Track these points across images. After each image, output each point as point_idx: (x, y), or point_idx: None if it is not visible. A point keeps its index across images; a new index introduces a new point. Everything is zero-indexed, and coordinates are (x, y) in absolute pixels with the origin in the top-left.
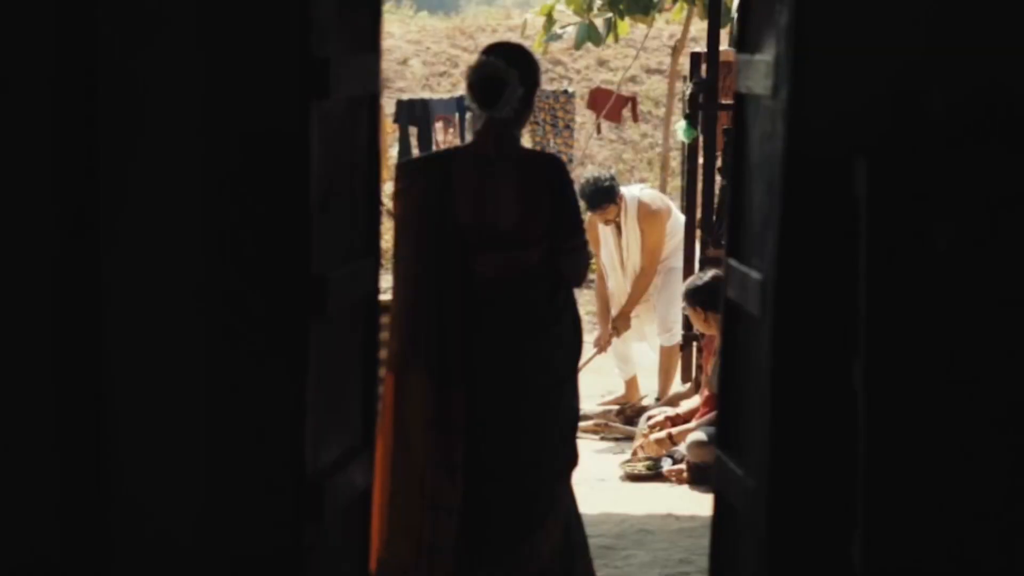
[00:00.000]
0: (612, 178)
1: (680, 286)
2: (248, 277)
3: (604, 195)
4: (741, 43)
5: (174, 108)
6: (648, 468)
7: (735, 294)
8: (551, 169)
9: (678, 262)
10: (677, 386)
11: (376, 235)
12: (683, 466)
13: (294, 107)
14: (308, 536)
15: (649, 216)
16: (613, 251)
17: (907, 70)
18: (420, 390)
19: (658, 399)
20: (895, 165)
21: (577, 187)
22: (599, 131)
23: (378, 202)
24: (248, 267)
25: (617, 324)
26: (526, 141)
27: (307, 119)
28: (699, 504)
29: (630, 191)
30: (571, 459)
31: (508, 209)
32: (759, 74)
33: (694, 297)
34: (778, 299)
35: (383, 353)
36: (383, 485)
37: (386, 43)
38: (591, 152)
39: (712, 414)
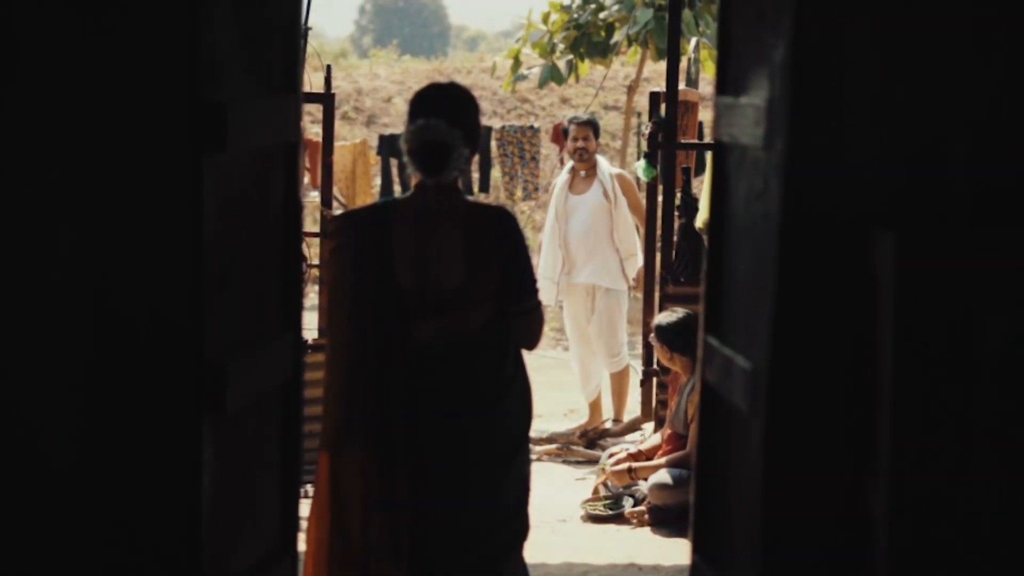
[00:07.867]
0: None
1: (622, 311)
2: (135, 369)
3: (592, 125)
4: (722, 84)
5: (46, 165)
6: (609, 508)
7: (715, 380)
8: (500, 224)
9: (622, 286)
10: (633, 407)
11: (296, 309)
12: (644, 507)
13: (183, 162)
14: None
15: (625, 182)
16: (555, 221)
17: (928, 120)
18: (359, 469)
19: (616, 421)
20: (932, 242)
21: None
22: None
23: (298, 270)
24: (135, 358)
25: None
26: (495, 172)
27: (198, 176)
28: (661, 550)
29: (606, 163)
30: (522, 531)
31: (453, 268)
32: (746, 120)
33: (662, 335)
34: (772, 393)
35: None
36: (319, 574)
37: (372, 83)
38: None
39: (675, 454)
